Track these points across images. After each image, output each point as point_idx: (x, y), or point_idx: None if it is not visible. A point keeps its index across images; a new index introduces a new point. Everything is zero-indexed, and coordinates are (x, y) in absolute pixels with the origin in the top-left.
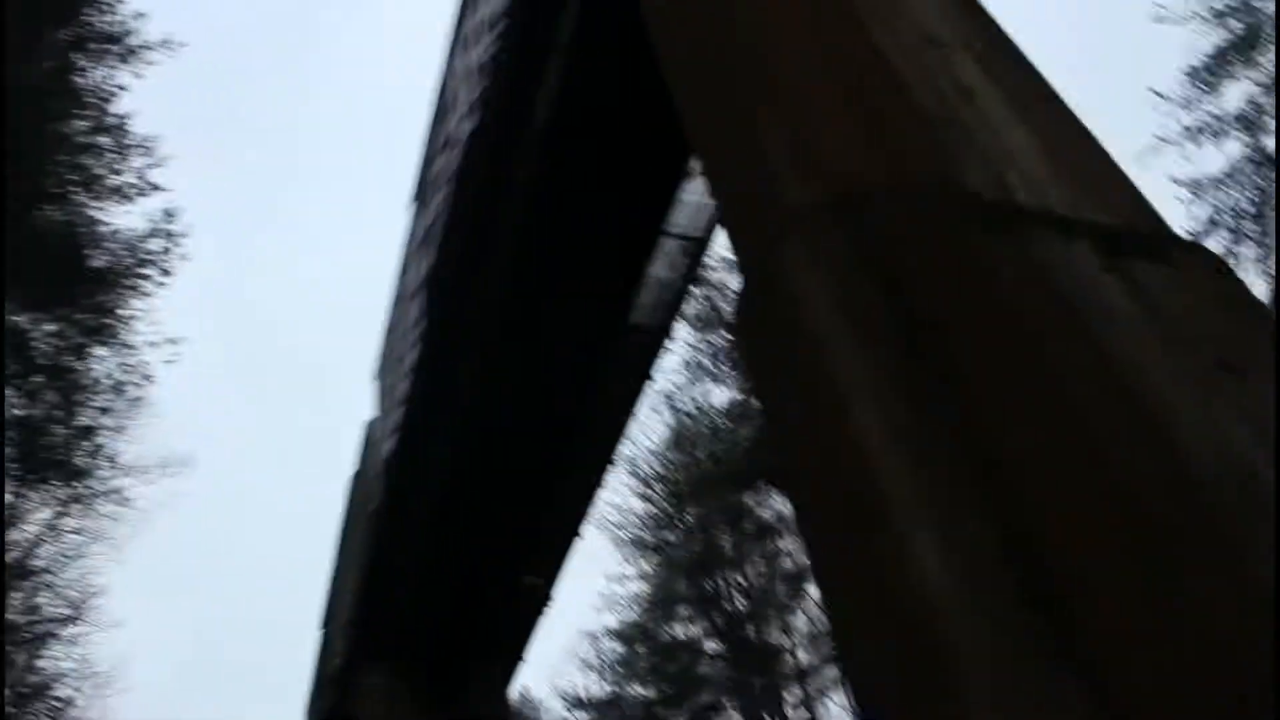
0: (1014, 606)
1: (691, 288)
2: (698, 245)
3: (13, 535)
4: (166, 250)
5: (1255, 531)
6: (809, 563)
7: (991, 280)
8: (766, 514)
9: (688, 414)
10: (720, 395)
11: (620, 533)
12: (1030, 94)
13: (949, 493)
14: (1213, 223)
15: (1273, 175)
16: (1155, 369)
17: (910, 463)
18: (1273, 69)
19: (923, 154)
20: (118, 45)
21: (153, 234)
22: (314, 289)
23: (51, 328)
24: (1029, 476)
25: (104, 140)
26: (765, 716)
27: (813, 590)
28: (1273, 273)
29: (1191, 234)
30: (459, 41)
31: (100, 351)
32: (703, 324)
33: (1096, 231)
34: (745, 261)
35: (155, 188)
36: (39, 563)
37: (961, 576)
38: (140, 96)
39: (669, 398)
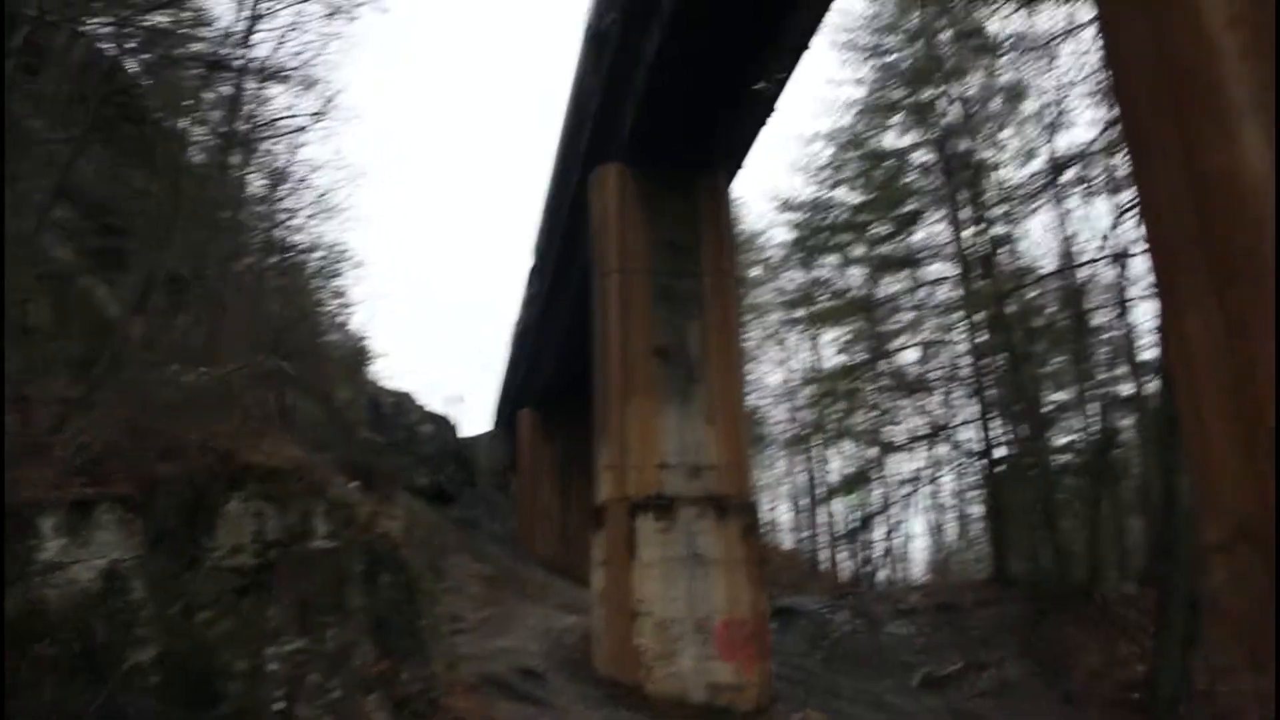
0: None
1: None
2: None
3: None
4: None
5: None
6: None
7: None
8: (993, 26)
9: None
10: None
11: (839, 35)
12: None
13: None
14: None
15: None
16: None
17: (1248, 50)
18: None
19: None
20: None
21: None
22: None
23: None
24: None
25: None
26: (968, 228)
27: (1027, 108)
28: None
29: None
30: None
31: None
32: None
33: None
34: None
35: None
36: (285, 60)
37: None
38: None
39: None
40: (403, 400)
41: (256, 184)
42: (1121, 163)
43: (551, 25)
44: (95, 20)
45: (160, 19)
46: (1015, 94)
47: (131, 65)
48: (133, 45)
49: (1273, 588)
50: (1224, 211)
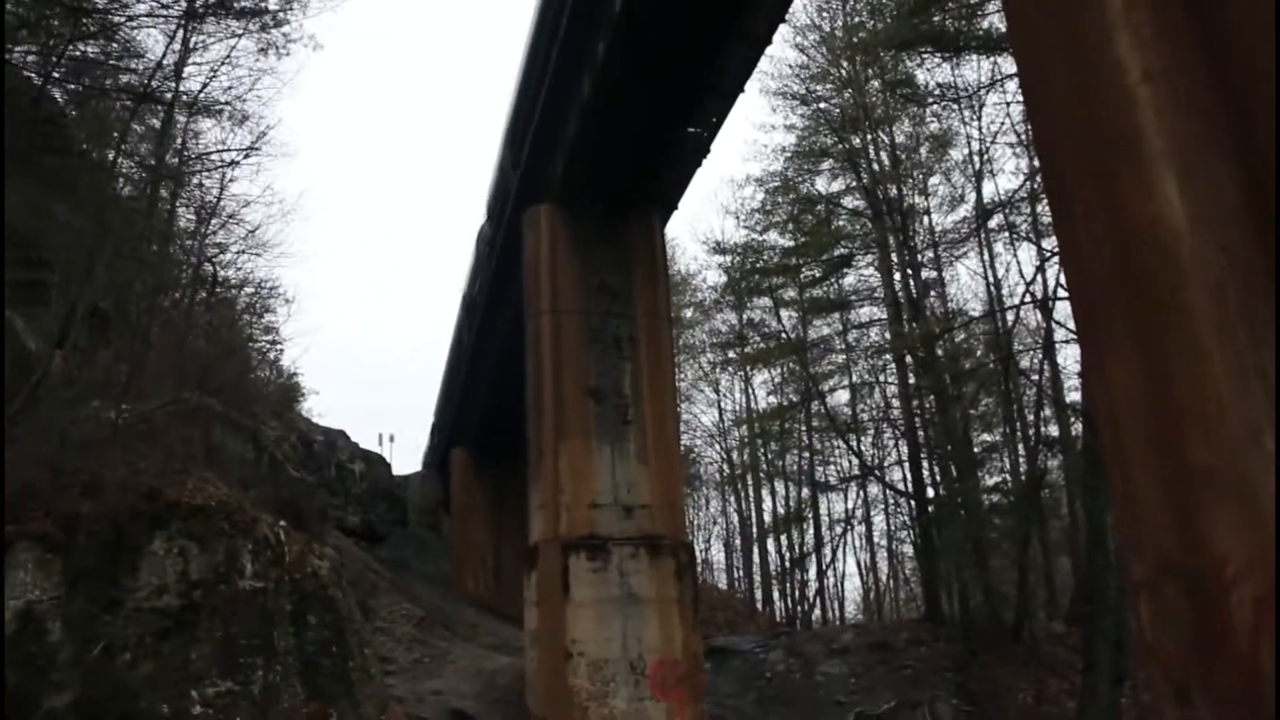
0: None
1: None
2: None
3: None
4: None
5: None
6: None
7: None
8: (920, 75)
9: None
10: None
11: (770, 81)
12: None
13: (1197, 132)
14: None
15: None
16: None
17: (1162, 100)
18: None
19: None
20: None
21: None
22: None
23: None
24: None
25: None
26: (897, 272)
27: (954, 155)
28: None
29: None
30: None
31: None
32: None
33: None
34: None
35: None
36: (217, 94)
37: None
38: None
39: None
40: (334, 438)
41: (185, 218)
42: (1045, 210)
43: (492, 52)
44: (20, 48)
45: (88, 49)
46: (942, 142)
47: (57, 95)
48: (59, 74)
49: (1197, 625)
50: (1143, 259)
